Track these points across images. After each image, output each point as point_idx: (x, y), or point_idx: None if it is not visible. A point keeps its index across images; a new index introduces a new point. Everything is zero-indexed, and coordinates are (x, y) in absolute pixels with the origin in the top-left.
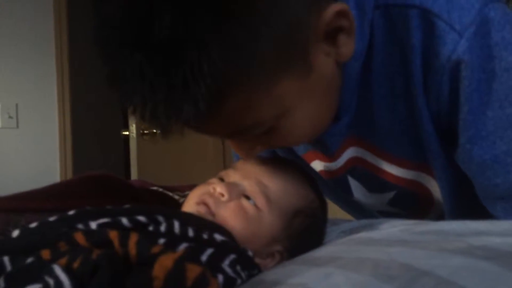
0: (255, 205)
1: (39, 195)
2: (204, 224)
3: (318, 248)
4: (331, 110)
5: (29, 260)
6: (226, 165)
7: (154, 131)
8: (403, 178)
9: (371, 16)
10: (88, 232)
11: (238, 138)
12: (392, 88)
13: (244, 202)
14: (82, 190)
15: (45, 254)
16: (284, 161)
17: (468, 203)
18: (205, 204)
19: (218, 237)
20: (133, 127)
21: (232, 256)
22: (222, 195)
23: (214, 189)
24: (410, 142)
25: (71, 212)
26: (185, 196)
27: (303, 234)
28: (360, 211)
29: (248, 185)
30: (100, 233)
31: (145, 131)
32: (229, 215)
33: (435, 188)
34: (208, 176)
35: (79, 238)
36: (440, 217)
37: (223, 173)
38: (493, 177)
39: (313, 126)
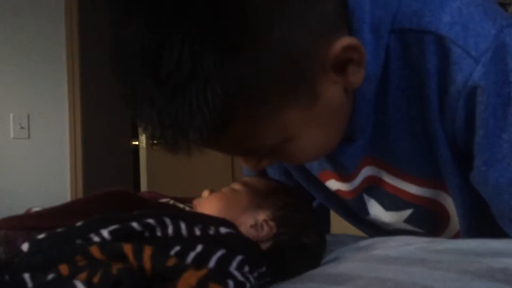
0: (231, 188)
1: (60, 213)
2: (208, 220)
3: (336, 263)
4: (337, 134)
5: (50, 276)
6: (234, 174)
7: None
8: (420, 196)
9: (387, 40)
10: (103, 245)
11: (244, 156)
12: (408, 111)
13: (223, 190)
14: (100, 206)
15: (64, 269)
16: (287, 185)
17: (483, 222)
18: None
19: (223, 230)
20: (142, 137)
21: (239, 258)
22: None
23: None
24: (427, 162)
25: (80, 223)
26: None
27: (288, 206)
28: (375, 230)
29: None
30: (115, 246)
31: (155, 141)
32: (207, 201)
33: (451, 206)
34: (217, 185)
35: (95, 251)
36: (454, 235)
37: None
38: (508, 199)
39: (317, 149)
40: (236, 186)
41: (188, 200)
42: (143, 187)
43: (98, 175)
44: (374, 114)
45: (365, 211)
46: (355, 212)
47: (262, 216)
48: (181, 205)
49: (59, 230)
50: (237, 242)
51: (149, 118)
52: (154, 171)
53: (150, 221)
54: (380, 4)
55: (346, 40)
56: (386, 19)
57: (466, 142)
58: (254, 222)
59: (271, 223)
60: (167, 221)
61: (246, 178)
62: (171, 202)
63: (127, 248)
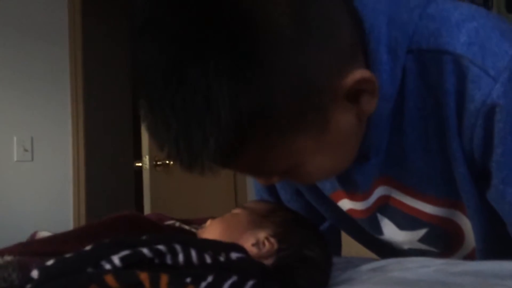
0: (231, 213)
1: (74, 238)
2: (219, 246)
3: (349, 285)
4: (349, 156)
5: None
6: (237, 196)
7: (167, 162)
8: (435, 216)
9: (404, 60)
10: (118, 274)
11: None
12: (425, 130)
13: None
14: (112, 231)
15: None
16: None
17: (500, 243)
18: None
19: (234, 255)
20: (146, 159)
21: (251, 283)
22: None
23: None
24: (444, 181)
25: (88, 248)
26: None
27: (288, 223)
28: (386, 251)
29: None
30: (130, 274)
31: (158, 162)
32: (208, 228)
33: (466, 225)
34: (220, 206)
35: (110, 280)
36: (468, 256)
37: None
38: None
39: (327, 172)
40: (236, 210)
41: (193, 222)
42: (147, 208)
43: (101, 197)
44: (389, 133)
45: (379, 230)
46: (367, 232)
47: (262, 234)
48: (186, 227)
49: (68, 255)
50: (248, 267)
51: (166, 141)
52: (157, 193)
53: (161, 247)
54: (396, 25)
55: (359, 73)
56: (403, 40)
57: (484, 160)
58: (256, 241)
59: (272, 240)
60: (178, 248)
61: (246, 203)
62: (177, 224)
63: (144, 276)
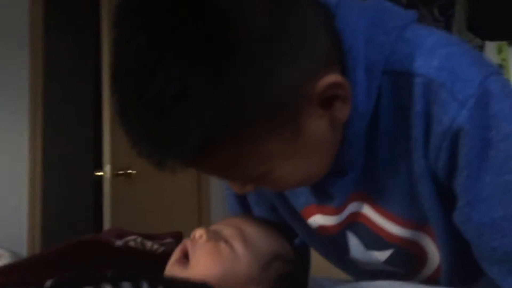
0: (231, 247)
1: (31, 267)
2: (188, 286)
3: None
4: (323, 164)
5: None
6: (201, 205)
7: (129, 171)
8: (401, 237)
9: (379, 80)
10: None
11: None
12: (394, 151)
13: (221, 244)
14: (73, 258)
15: None
16: (269, 222)
17: (466, 263)
18: (186, 254)
19: None
20: (107, 168)
21: None
22: (201, 236)
23: (194, 235)
24: (410, 203)
25: (48, 283)
26: (164, 245)
27: (282, 279)
28: (354, 270)
29: (227, 230)
30: None
31: (120, 172)
32: (204, 255)
33: (430, 247)
34: (183, 217)
35: None
36: (431, 277)
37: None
38: (490, 240)
39: (300, 179)
40: (236, 242)
41: (155, 237)
42: (106, 218)
43: (58, 206)
44: (365, 149)
45: (346, 249)
46: (335, 251)
47: None
48: (149, 243)
49: None
50: None
51: (138, 135)
52: (118, 203)
53: (126, 285)
54: (374, 47)
55: (332, 77)
56: (380, 61)
57: (449, 182)
58: None
59: None
60: (145, 285)
61: (241, 223)
62: (139, 239)
63: None
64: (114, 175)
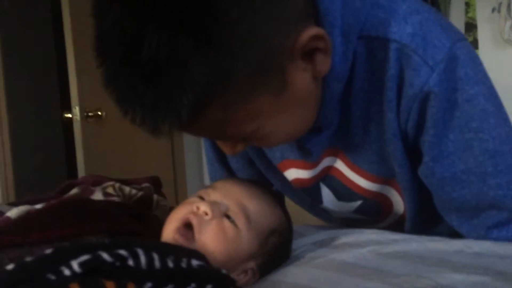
0: (235, 225)
1: (21, 228)
2: (181, 252)
3: (293, 267)
4: (307, 122)
5: None
6: (174, 149)
7: (99, 113)
8: (369, 190)
9: (355, 44)
10: (83, 282)
11: (220, 140)
12: (367, 111)
13: (225, 221)
14: (59, 218)
15: None
16: (259, 184)
17: (427, 211)
18: (187, 224)
19: (195, 262)
20: (76, 110)
21: (209, 287)
22: (206, 213)
23: (198, 208)
24: (380, 160)
25: (48, 251)
26: (142, 189)
27: (274, 252)
28: (325, 216)
29: (230, 205)
30: (96, 283)
31: (90, 114)
32: (210, 237)
33: (395, 198)
34: (157, 158)
35: None
36: (395, 222)
37: (202, 192)
38: (450, 191)
39: (287, 135)
40: (239, 220)
41: (132, 182)
42: (80, 162)
43: (28, 152)
44: (339, 109)
45: (319, 199)
46: (309, 201)
47: (251, 264)
48: (127, 188)
49: (28, 260)
50: (207, 274)
51: (130, 102)
52: (90, 146)
53: (122, 252)
54: (350, 12)
55: (313, 30)
56: (355, 26)
57: (416, 140)
58: (242, 270)
59: (256, 271)
60: (140, 252)
61: (242, 196)
62: (117, 185)
63: (110, 285)
64: (84, 117)
